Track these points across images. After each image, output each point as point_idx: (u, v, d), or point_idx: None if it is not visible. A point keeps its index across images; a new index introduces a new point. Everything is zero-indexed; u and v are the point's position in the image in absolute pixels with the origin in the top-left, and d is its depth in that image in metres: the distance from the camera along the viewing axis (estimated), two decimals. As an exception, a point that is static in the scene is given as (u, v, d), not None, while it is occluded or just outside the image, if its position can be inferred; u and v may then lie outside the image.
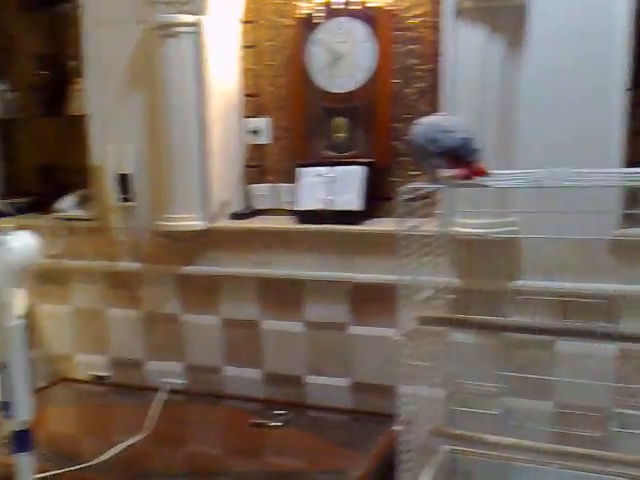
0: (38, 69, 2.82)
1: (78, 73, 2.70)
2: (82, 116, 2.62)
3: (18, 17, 2.88)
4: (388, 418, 2.19)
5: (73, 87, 2.76)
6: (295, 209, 2.38)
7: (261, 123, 2.51)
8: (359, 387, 2.37)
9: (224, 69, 2.46)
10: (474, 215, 1.94)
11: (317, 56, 2.34)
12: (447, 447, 1.98)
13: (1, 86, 2.92)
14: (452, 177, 1.57)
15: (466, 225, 2.00)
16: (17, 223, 1.57)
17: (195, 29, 2.36)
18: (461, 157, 1.55)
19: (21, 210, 2.82)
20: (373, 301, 2.29)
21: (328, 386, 2.39)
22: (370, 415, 2.27)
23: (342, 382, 2.38)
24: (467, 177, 1.57)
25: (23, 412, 1.51)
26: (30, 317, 1.52)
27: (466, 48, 2.03)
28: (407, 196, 1.53)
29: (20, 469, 1.54)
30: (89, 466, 2.02)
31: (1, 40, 3.00)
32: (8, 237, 1.49)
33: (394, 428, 1.57)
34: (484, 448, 1.81)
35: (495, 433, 1.87)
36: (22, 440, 1.54)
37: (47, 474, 1.93)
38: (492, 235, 1.87)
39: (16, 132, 3.03)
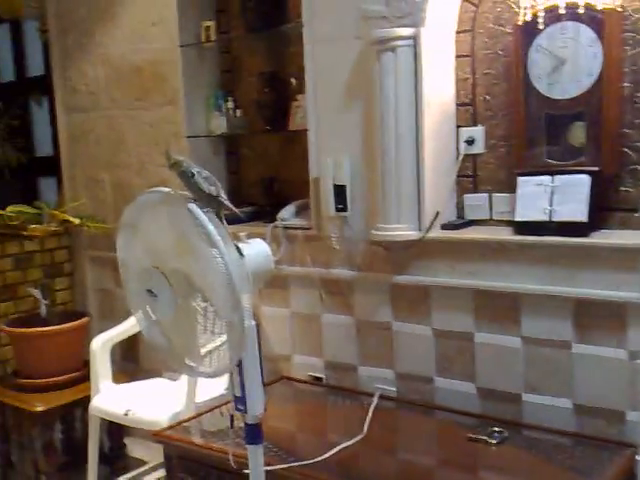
0: (262, 87, 3.00)
1: (299, 90, 2.86)
2: (302, 131, 2.77)
3: (244, 38, 3.10)
4: (615, 445, 2.08)
5: (294, 103, 2.92)
6: (513, 220, 2.32)
7: (476, 132, 2.48)
8: (582, 409, 2.25)
9: (439, 80, 2.46)
10: None
11: (538, 62, 2.26)
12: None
13: (228, 104, 3.16)
14: None
15: None
16: (243, 230, 1.66)
17: (412, 42, 2.39)
18: None
19: (246, 219, 3.04)
20: (599, 318, 2.17)
21: (547, 406, 2.30)
22: (595, 440, 2.15)
23: (563, 403, 2.28)
24: None
25: (256, 407, 1.59)
26: (255, 318, 1.62)
27: None
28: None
29: (252, 460, 1.64)
30: (310, 464, 2.12)
31: (229, 61, 3.26)
32: (243, 244, 1.58)
33: (636, 458, 1.47)
34: None
35: None
36: (254, 433, 1.63)
37: (274, 467, 2.05)
38: None
39: (241, 147, 3.27)
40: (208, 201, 1.53)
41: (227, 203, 1.58)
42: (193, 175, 1.55)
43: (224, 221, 1.53)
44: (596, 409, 2.22)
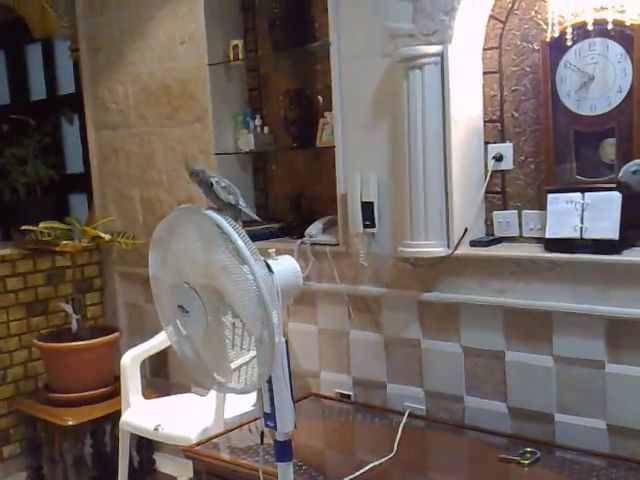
0: (289, 104, 3.03)
1: (326, 107, 2.88)
2: (329, 147, 2.79)
3: (272, 57, 3.13)
4: (651, 467, 2.04)
5: (321, 120, 2.93)
6: (543, 237, 2.31)
7: (505, 149, 2.47)
8: (615, 430, 2.22)
9: (466, 96, 2.46)
10: None
11: (567, 79, 2.25)
12: None
13: (256, 122, 3.19)
14: None
15: None
16: (271, 247, 1.67)
17: (439, 59, 2.40)
18: None
19: (273, 235, 3.06)
20: (633, 337, 2.14)
21: (580, 426, 2.27)
22: (629, 462, 2.11)
23: (596, 424, 2.25)
24: None
25: (286, 424, 1.59)
26: (284, 335, 1.62)
27: None
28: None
29: (282, 478, 1.63)
30: (339, 483, 2.12)
31: (256, 79, 3.29)
32: (272, 261, 1.59)
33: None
34: None
35: None
36: (284, 450, 1.63)
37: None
38: None
39: (268, 164, 3.30)
40: (227, 209, 1.56)
41: (247, 211, 1.60)
42: (212, 184, 1.58)
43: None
44: (630, 430, 2.18)
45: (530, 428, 2.37)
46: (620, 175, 1.43)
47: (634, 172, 1.57)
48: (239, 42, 3.15)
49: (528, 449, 2.20)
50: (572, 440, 2.27)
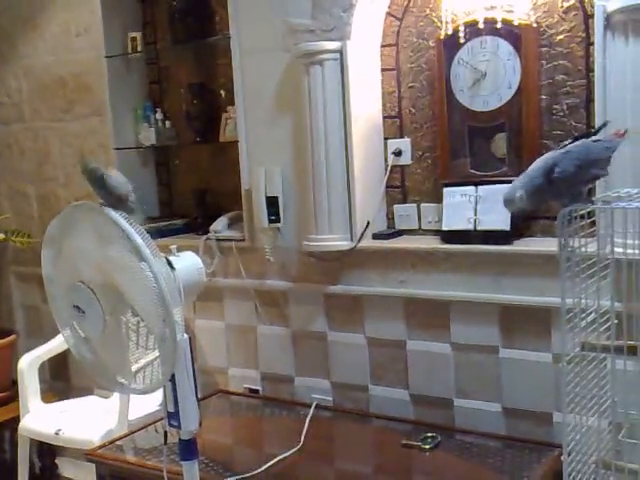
0: (191, 98, 2.99)
1: (229, 101, 2.86)
2: (233, 142, 2.77)
3: (172, 50, 3.08)
4: (543, 446, 2.15)
5: (224, 115, 2.91)
6: (440, 229, 2.39)
7: (403, 144, 2.54)
8: (510, 413, 2.32)
9: (366, 92, 2.51)
10: (636, 236, 1.85)
11: (460, 75, 2.33)
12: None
13: (157, 115, 3.13)
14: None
15: (627, 246, 1.92)
16: (175, 243, 1.64)
17: (338, 55, 2.43)
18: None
19: (177, 231, 3.02)
20: (524, 324, 2.25)
21: (478, 410, 2.36)
22: (523, 442, 2.21)
23: (492, 407, 2.34)
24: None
25: (190, 422, 1.58)
26: (189, 332, 1.61)
27: (620, 62, 1.96)
28: (568, 217, 1.49)
29: (187, 477, 1.63)
30: (246, 477, 2.12)
31: (157, 72, 3.23)
32: (174, 257, 1.57)
33: (561, 458, 1.53)
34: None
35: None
36: (188, 449, 1.62)
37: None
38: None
39: (171, 159, 3.24)
40: (119, 206, 1.51)
41: (136, 205, 1.55)
42: (103, 180, 1.53)
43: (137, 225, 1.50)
44: (524, 412, 2.29)
45: (431, 414, 2.45)
46: (505, 193, 1.53)
47: (510, 200, 1.65)
48: (137, 34, 3.08)
49: (429, 434, 2.27)
50: (471, 424, 2.36)
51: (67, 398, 3.21)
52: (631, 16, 1.91)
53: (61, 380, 3.45)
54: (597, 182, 2.04)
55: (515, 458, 2.16)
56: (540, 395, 2.22)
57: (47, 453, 3.28)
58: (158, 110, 3.14)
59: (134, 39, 3.07)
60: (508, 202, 1.55)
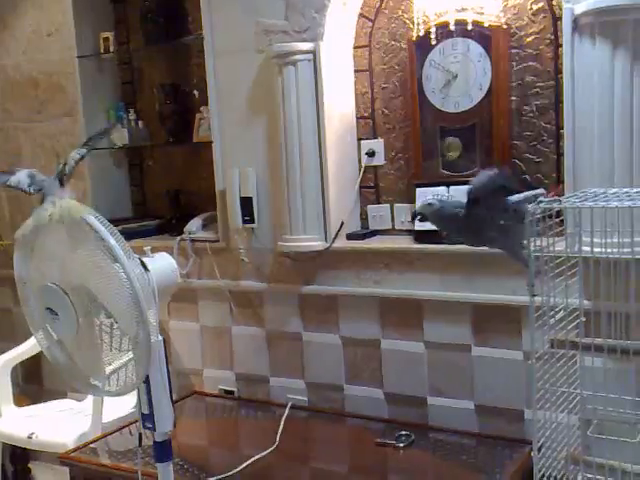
0: (164, 99, 2.98)
1: (203, 101, 2.85)
2: (207, 143, 2.77)
3: (144, 50, 3.06)
4: (515, 443, 2.19)
5: (198, 115, 2.91)
6: (413, 229, 2.41)
7: (376, 145, 2.56)
8: (483, 410, 2.35)
9: (339, 93, 2.52)
10: (603, 235, 1.88)
11: (432, 77, 2.35)
12: (584, 476, 1.93)
13: (130, 116, 3.12)
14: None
15: (596, 245, 1.95)
16: (149, 244, 1.64)
17: (311, 56, 2.44)
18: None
19: (151, 232, 3.00)
20: (496, 322, 2.27)
21: (451, 408, 2.39)
22: (496, 439, 2.24)
23: (465, 404, 2.37)
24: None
25: (164, 424, 1.56)
26: (163, 333, 1.60)
27: (587, 64, 1.99)
28: (536, 216, 1.52)
29: (162, 478, 1.61)
30: (222, 478, 2.12)
31: (129, 72, 3.21)
32: (147, 258, 1.56)
33: (532, 454, 1.56)
34: (625, 478, 1.75)
35: (637, 463, 1.79)
36: (163, 451, 1.60)
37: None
38: (623, 255, 1.81)
39: (144, 159, 3.23)
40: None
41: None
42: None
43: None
44: (497, 409, 2.32)
45: (405, 412, 2.47)
46: (416, 207, 1.57)
47: (429, 204, 1.69)
48: (110, 34, 3.06)
49: (403, 432, 2.29)
50: (444, 421, 2.38)
51: (40, 401, 3.17)
52: (598, 19, 1.95)
53: (34, 383, 3.42)
54: (565, 182, 2.10)
55: (487, 455, 2.20)
56: (512, 392, 2.25)
57: (20, 457, 3.24)
58: (131, 110, 3.13)
59: (106, 39, 3.05)
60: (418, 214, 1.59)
